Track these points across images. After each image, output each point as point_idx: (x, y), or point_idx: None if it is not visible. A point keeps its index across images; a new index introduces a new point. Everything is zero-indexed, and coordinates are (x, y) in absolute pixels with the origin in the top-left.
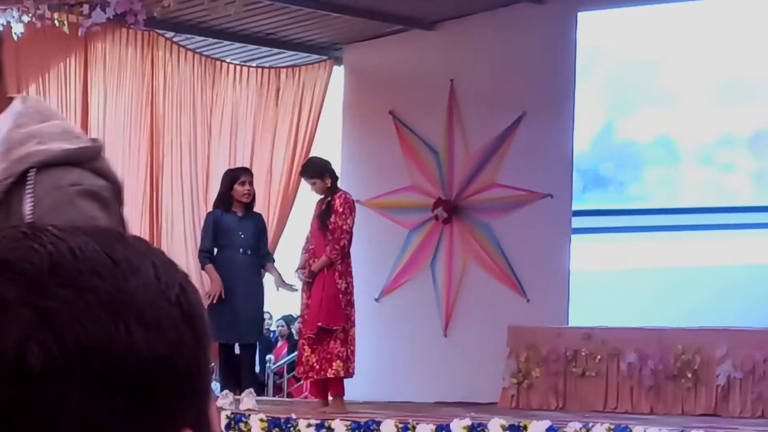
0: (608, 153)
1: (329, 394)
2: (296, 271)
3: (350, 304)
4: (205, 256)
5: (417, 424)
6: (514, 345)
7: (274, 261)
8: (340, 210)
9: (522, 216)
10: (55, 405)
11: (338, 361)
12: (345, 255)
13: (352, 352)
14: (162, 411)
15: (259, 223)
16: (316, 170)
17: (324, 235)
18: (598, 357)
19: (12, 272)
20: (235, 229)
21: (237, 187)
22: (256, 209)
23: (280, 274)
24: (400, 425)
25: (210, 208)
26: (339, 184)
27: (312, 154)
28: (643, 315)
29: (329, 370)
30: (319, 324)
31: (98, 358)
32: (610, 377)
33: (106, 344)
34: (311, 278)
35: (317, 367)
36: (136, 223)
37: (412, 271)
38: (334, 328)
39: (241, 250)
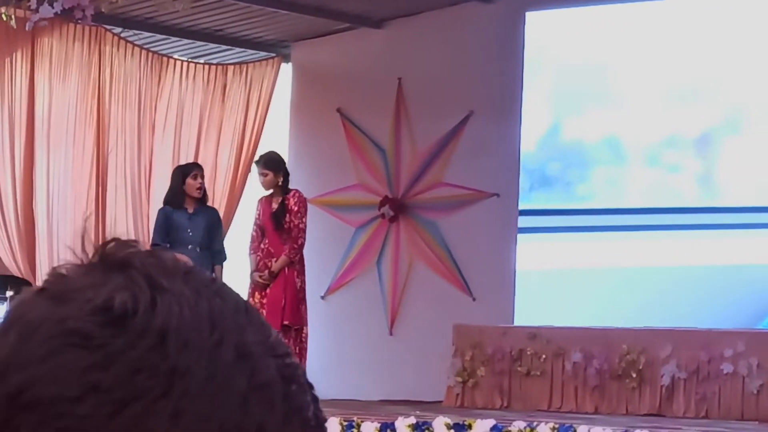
0: (555, 153)
1: None
2: (252, 273)
3: (304, 302)
4: None
5: (362, 422)
6: (460, 344)
7: (224, 260)
8: (296, 209)
9: (468, 215)
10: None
11: None
12: (301, 254)
13: (305, 349)
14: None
15: (212, 217)
16: (274, 163)
17: (279, 234)
18: (543, 356)
19: None
20: (184, 226)
21: (189, 181)
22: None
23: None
24: (345, 423)
25: (152, 205)
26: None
27: (259, 151)
28: (589, 315)
29: None
30: (286, 322)
31: (176, 339)
32: (555, 377)
33: (190, 333)
34: (271, 280)
35: None
36: (82, 220)
37: (359, 269)
38: (297, 326)
39: (189, 246)
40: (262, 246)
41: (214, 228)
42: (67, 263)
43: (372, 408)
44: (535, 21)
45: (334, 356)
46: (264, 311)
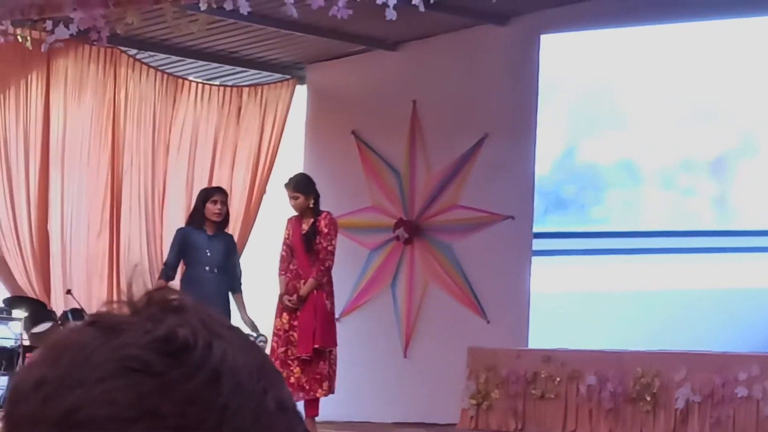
0: (570, 175)
1: (307, 414)
2: (281, 296)
3: (334, 323)
4: (165, 272)
5: None
6: (474, 366)
7: (242, 292)
8: (326, 231)
9: (483, 237)
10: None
11: (326, 382)
12: (329, 276)
13: (335, 371)
14: None
15: (228, 243)
16: (303, 186)
17: (309, 256)
18: (558, 379)
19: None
20: (202, 247)
21: (208, 205)
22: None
23: (247, 314)
24: None
25: (165, 226)
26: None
27: (274, 173)
28: (603, 338)
29: (319, 390)
30: (317, 346)
31: (229, 378)
32: (570, 399)
33: (241, 374)
34: (300, 304)
35: (307, 387)
36: (96, 242)
37: (373, 291)
38: (330, 349)
39: (207, 268)
40: (291, 267)
41: (230, 253)
42: (113, 302)
43: (386, 431)
44: (549, 43)
45: (348, 378)
46: (295, 333)
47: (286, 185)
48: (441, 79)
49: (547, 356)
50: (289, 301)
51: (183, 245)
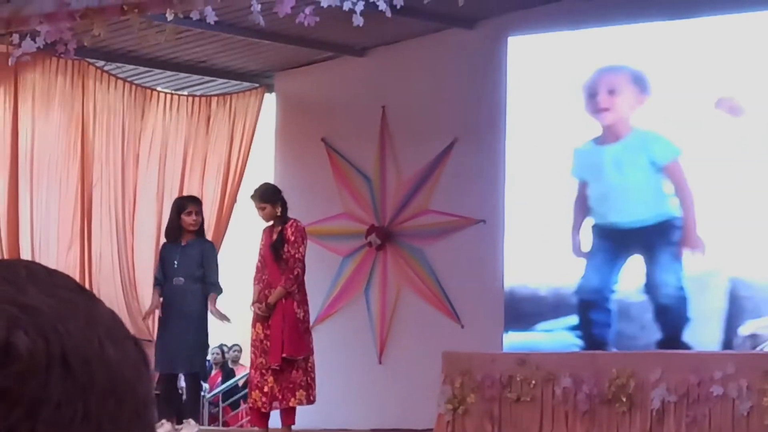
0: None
1: (283, 422)
2: (252, 305)
3: (308, 331)
4: (156, 286)
5: None
6: (449, 371)
7: (220, 292)
8: (292, 239)
9: (455, 242)
10: (37, 395)
11: (301, 390)
12: (300, 283)
13: (313, 379)
14: (125, 429)
15: (205, 250)
16: (269, 196)
17: (278, 265)
18: (533, 382)
19: None
20: (170, 259)
21: (183, 217)
22: None
23: (216, 308)
24: None
25: (136, 237)
26: None
27: (244, 182)
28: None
29: (292, 399)
30: (284, 355)
31: (76, 358)
32: (545, 402)
33: (83, 347)
34: (269, 312)
35: (280, 396)
36: (66, 255)
37: (347, 298)
38: (299, 358)
39: (174, 280)
40: (263, 276)
41: (207, 260)
42: None
43: None
44: (517, 45)
45: (324, 386)
46: (268, 343)
47: (252, 197)
48: (410, 84)
49: (522, 359)
50: (259, 309)
51: (160, 260)
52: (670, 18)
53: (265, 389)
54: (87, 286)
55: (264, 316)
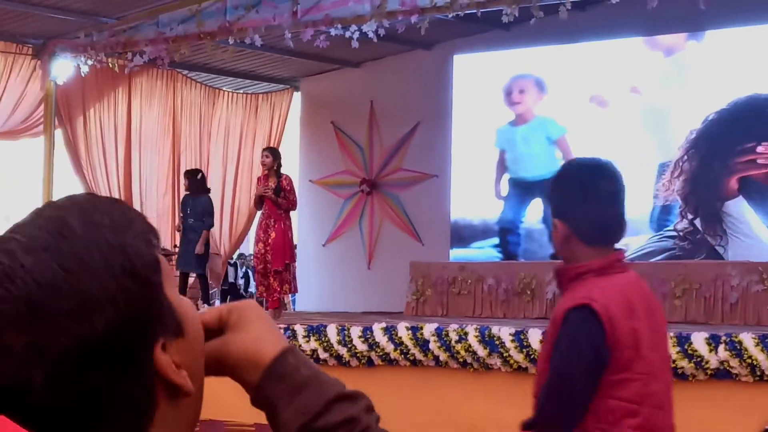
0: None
1: (269, 307)
2: (264, 189)
3: (294, 247)
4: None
5: (351, 326)
6: (414, 274)
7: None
8: (288, 188)
9: (419, 189)
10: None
11: (286, 285)
12: (290, 212)
13: (294, 277)
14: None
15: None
16: (275, 152)
17: (276, 200)
18: (469, 281)
19: None
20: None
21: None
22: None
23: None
24: (339, 327)
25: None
26: (298, 169)
27: (279, 151)
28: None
29: (284, 291)
30: (287, 261)
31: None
32: (477, 295)
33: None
34: (269, 193)
35: (279, 290)
36: (162, 199)
37: (347, 227)
38: (293, 263)
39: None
40: (263, 193)
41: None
42: None
43: (356, 317)
44: (461, 61)
45: (331, 283)
46: (272, 252)
47: (265, 149)
48: (390, 86)
49: (462, 266)
50: (265, 190)
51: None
52: (561, 43)
53: (270, 286)
54: (175, 221)
55: (266, 233)
